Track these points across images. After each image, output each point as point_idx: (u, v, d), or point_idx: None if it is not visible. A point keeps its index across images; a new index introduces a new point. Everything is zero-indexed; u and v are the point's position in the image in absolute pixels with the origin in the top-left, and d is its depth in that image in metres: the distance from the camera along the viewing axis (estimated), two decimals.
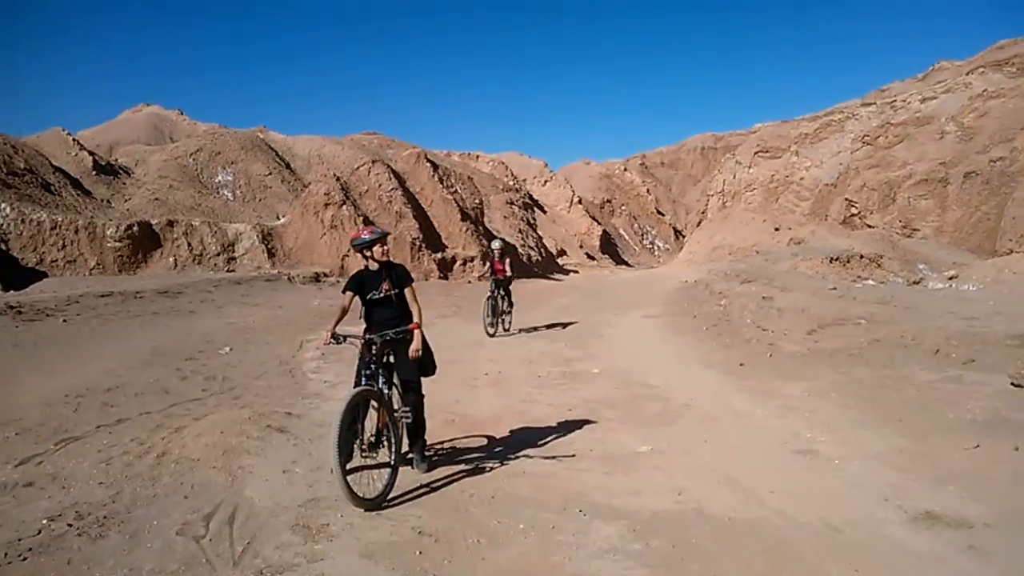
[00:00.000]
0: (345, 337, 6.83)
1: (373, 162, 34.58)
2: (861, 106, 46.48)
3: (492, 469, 7.47)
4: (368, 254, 7.17)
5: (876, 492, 6.79)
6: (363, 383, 6.78)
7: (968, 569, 5.35)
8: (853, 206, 38.49)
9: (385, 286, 7.15)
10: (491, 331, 16.54)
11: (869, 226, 36.52)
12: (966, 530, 5.93)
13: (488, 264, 18.58)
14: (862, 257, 26.44)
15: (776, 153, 46.82)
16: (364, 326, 7.27)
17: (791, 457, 7.92)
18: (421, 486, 6.92)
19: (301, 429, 8.57)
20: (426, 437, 7.60)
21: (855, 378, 11.05)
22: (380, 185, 33.02)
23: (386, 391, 6.95)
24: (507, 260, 17.45)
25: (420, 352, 7.06)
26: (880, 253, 27.83)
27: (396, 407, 7.10)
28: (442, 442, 8.41)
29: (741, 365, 12.51)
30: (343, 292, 7.21)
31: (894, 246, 30.22)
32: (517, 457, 7.85)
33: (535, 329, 17.83)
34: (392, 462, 6.86)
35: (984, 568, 5.35)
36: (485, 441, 8.56)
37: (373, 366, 6.86)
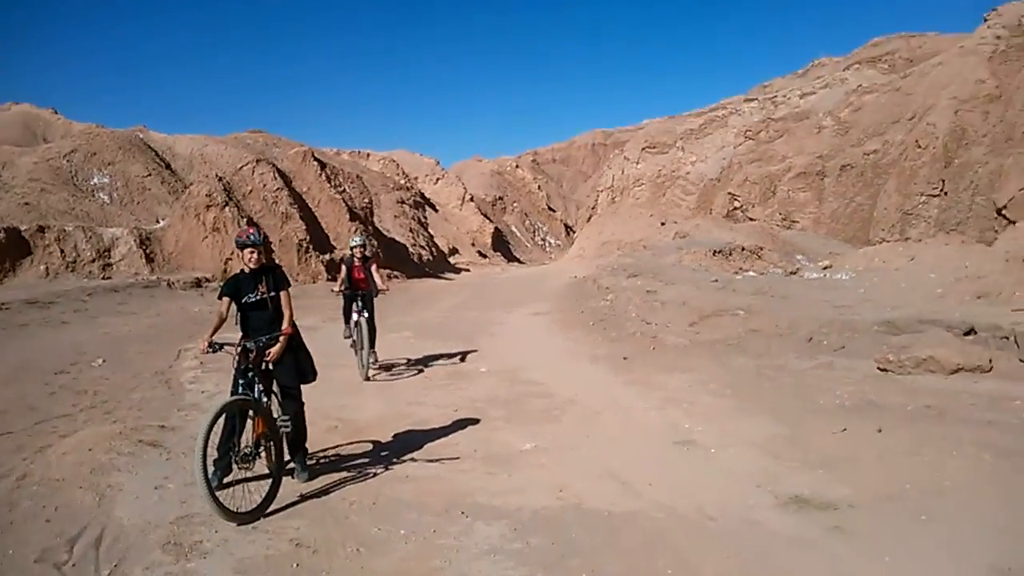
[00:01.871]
0: (222, 345, 6.64)
1: (257, 161, 33.74)
2: (744, 102, 48.11)
3: (375, 475, 7.39)
4: (245, 256, 7.00)
5: (749, 479, 7.03)
6: (239, 391, 6.60)
7: (833, 549, 5.59)
8: (736, 200, 39.80)
9: (261, 288, 6.99)
10: (369, 372, 12.31)
11: (751, 219, 37.83)
12: (832, 512, 6.20)
13: (344, 272, 12.69)
14: (743, 249, 27.32)
15: (663, 149, 47.99)
16: (240, 333, 7.07)
17: (670, 448, 8.12)
18: (301, 496, 6.78)
19: (175, 443, 8.25)
20: (307, 445, 7.46)
21: (733, 368, 11.42)
22: (265, 185, 32.24)
23: (264, 399, 6.77)
24: (372, 265, 12.75)
25: (279, 355, 6.91)
26: (761, 245, 28.83)
27: (276, 415, 6.93)
28: (324, 449, 8.26)
29: (625, 359, 12.75)
30: (219, 298, 6.99)
31: (774, 238, 31.36)
32: (401, 461, 7.79)
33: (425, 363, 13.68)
34: (272, 473, 6.69)
35: (847, 547, 5.59)
36: (369, 446, 8.46)
37: (250, 374, 6.68)
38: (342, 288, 12.60)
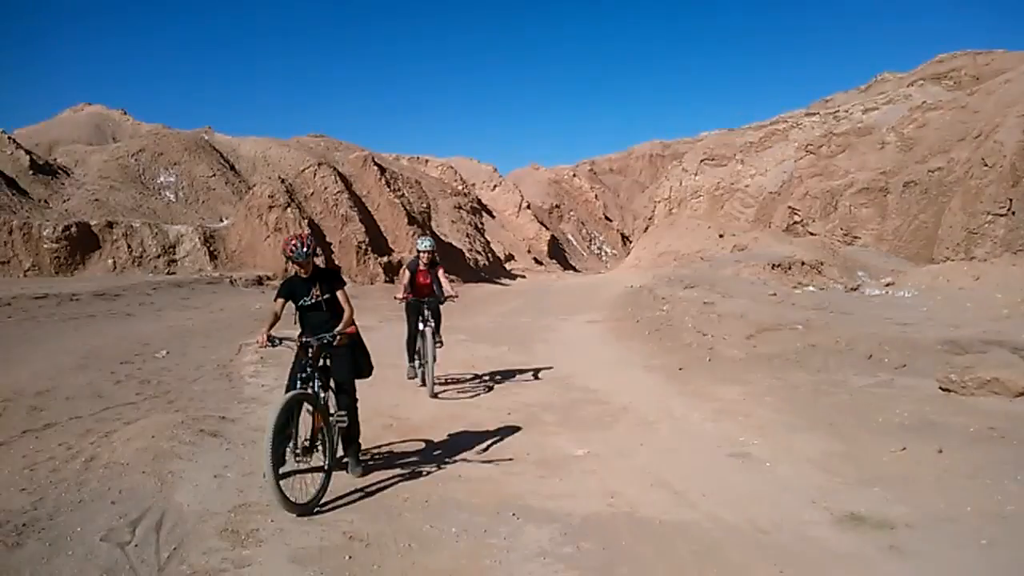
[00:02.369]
0: (281, 339, 6.80)
1: (319, 165, 34.30)
2: (805, 116, 47.44)
3: (427, 473, 7.46)
4: (291, 268, 7.25)
5: (804, 494, 6.92)
6: (297, 386, 6.74)
7: (887, 569, 5.47)
8: (796, 214, 39.23)
9: (316, 292, 7.14)
10: (420, 379, 11.42)
11: (811, 233, 37.24)
12: (888, 531, 6.07)
13: (407, 277, 11.41)
14: (803, 264, 26.93)
15: (722, 161, 47.56)
16: (299, 330, 7.22)
17: (724, 460, 8.03)
18: (355, 491, 6.89)
19: (235, 434, 8.46)
20: (361, 441, 7.57)
21: (790, 383, 11.25)
22: (326, 188, 32.76)
23: (321, 395, 6.91)
24: (438, 270, 11.43)
25: (349, 335, 7.07)
26: (821, 260, 28.39)
27: (332, 411, 7.06)
28: (379, 446, 8.38)
29: (680, 369, 12.66)
30: (275, 300, 7.18)
31: (835, 253, 30.83)
32: (453, 461, 7.86)
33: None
34: (326, 466, 6.81)
35: (902, 567, 5.47)
36: (422, 445, 8.54)
37: (309, 369, 6.81)
38: (405, 295, 11.24)
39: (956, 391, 10.08)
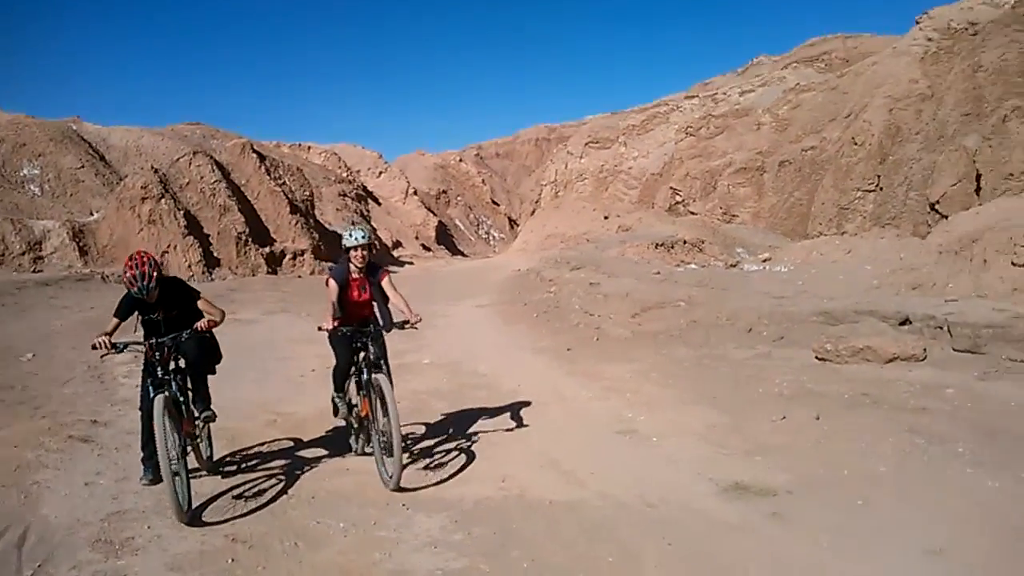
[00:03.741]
0: (126, 344, 6.23)
1: (195, 153, 33.02)
2: (685, 99, 48.76)
3: (314, 468, 7.27)
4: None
5: (690, 467, 7.09)
6: (156, 391, 6.18)
7: (771, 534, 5.66)
8: (677, 194, 40.29)
9: (159, 313, 6.50)
10: (357, 443, 7.69)
11: (693, 213, 38.38)
12: (771, 498, 6.28)
13: (334, 291, 7.19)
14: (685, 242, 27.69)
15: (606, 144, 48.41)
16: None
17: (613, 438, 8.15)
18: (237, 491, 6.63)
19: (108, 438, 8.03)
20: (248, 441, 7.29)
21: (674, 358, 11.52)
22: (202, 177, 31.56)
23: (181, 397, 6.50)
24: (382, 277, 7.33)
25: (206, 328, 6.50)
26: (702, 238, 29.27)
27: (196, 412, 6.72)
28: (263, 444, 8.11)
29: (569, 350, 12.78)
30: (113, 315, 6.44)
31: (715, 231, 31.84)
32: (341, 455, 7.67)
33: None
34: (201, 468, 6.53)
35: (786, 532, 5.67)
36: (308, 441, 8.31)
37: (161, 372, 6.28)
38: (333, 323, 7.00)
39: (831, 360, 10.53)
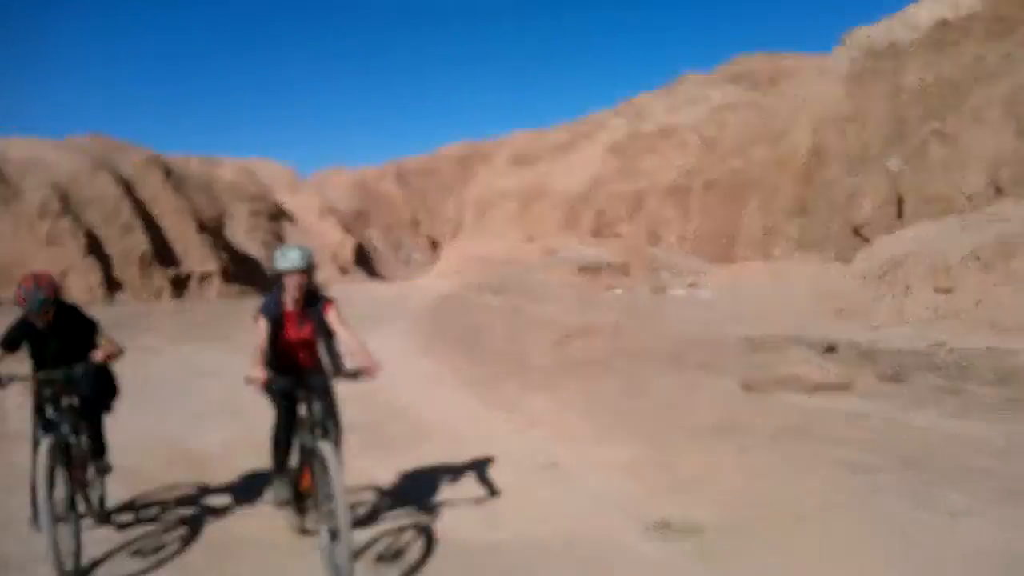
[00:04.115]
0: (11, 378, 5.61)
1: (97, 168, 31.72)
2: (611, 117, 48.94)
3: (220, 515, 6.76)
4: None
5: (613, 504, 6.89)
6: (44, 433, 5.63)
7: (694, 573, 5.50)
8: (604, 216, 40.36)
9: (51, 343, 5.88)
10: (295, 515, 6.26)
11: (618, 235, 38.44)
12: (695, 535, 6.11)
13: (264, 329, 5.75)
14: (610, 266, 27.74)
15: (531, 163, 48.35)
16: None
17: (533, 473, 7.90)
18: (133, 544, 6.10)
19: None
20: (147, 483, 6.72)
21: (599, 388, 11.35)
22: (105, 194, 30.33)
23: (73, 440, 5.88)
24: (326, 308, 5.95)
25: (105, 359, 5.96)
26: (627, 261, 29.33)
27: (90, 462, 6.13)
28: (164, 486, 7.51)
29: (489, 380, 12.46)
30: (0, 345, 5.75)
31: (641, 255, 31.94)
32: (249, 500, 7.11)
33: None
34: (88, 517, 5.94)
35: (709, 571, 5.51)
36: (215, 482, 7.72)
37: (51, 409, 5.73)
38: (262, 374, 5.48)
39: (757, 389, 10.49)
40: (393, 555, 5.81)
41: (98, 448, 6.23)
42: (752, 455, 7.98)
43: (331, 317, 5.90)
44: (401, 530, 6.32)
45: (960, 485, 6.84)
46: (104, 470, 6.24)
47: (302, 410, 5.79)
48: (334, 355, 6.06)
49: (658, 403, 10.34)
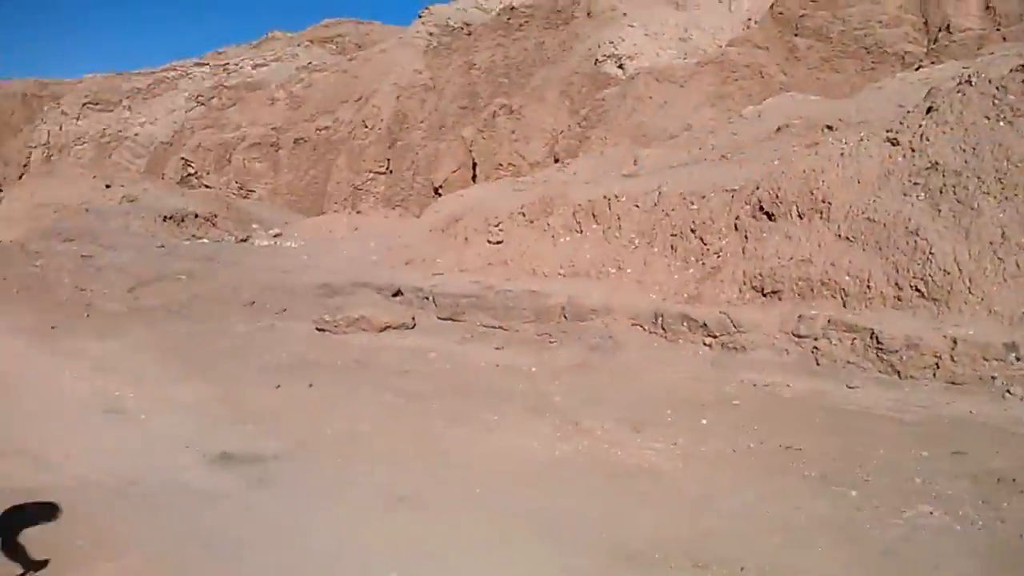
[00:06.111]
0: None
1: None
2: (195, 66, 46.71)
3: None
4: None
5: (179, 441, 6.99)
6: None
7: (255, 498, 5.85)
8: (190, 165, 38.58)
9: None
10: None
11: (207, 186, 36.99)
12: (258, 465, 6.47)
13: None
14: (197, 216, 26.63)
15: (107, 106, 44.64)
16: None
17: (98, 417, 7.73)
18: None
19: None
20: None
21: (172, 333, 11.21)
22: None
23: None
24: None
25: None
26: (215, 212, 28.36)
27: None
28: None
29: (53, 328, 11.67)
30: None
31: (229, 206, 31.04)
32: None
33: None
34: None
35: (267, 496, 5.89)
36: None
37: None
38: None
39: (330, 330, 11.08)
40: None
41: None
42: (319, 390, 8.53)
43: None
44: None
45: (498, 406, 7.98)
46: None
47: None
48: None
49: (233, 345, 10.49)
